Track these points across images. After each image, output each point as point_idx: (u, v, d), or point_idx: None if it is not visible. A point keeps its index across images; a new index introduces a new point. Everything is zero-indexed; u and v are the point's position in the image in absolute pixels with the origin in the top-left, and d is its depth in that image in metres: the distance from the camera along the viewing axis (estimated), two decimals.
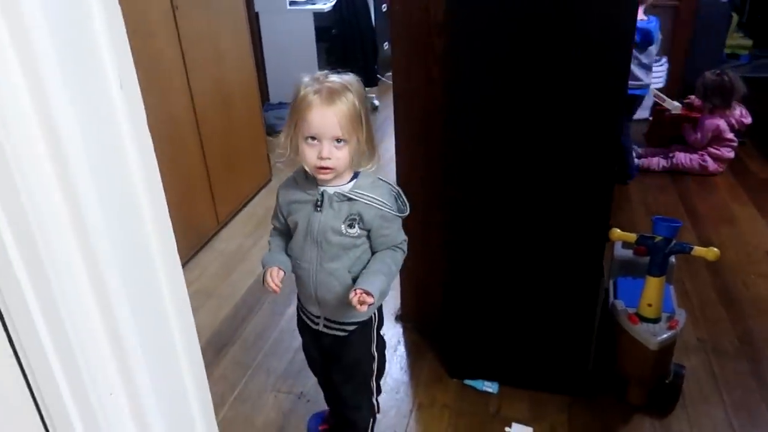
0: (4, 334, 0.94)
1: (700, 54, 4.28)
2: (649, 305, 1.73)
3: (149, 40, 2.33)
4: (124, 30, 0.80)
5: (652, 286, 1.71)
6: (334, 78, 1.30)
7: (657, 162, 3.39)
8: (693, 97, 3.51)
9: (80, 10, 0.75)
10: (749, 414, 1.80)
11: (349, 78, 1.31)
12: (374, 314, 1.50)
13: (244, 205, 3.13)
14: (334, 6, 4.07)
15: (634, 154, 3.38)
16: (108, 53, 0.87)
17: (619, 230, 1.76)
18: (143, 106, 0.90)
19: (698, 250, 1.67)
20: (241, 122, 3.14)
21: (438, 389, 1.94)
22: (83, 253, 0.96)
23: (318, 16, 4.04)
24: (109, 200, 0.99)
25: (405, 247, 1.45)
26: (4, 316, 0.93)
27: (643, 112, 4.01)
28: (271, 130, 3.73)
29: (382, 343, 1.60)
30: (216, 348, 2.13)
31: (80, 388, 0.94)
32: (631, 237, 1.75)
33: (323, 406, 1.80)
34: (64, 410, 1.02)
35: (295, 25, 3.99)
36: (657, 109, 3.66)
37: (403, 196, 1.41)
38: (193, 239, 2.67)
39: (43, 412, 1.02)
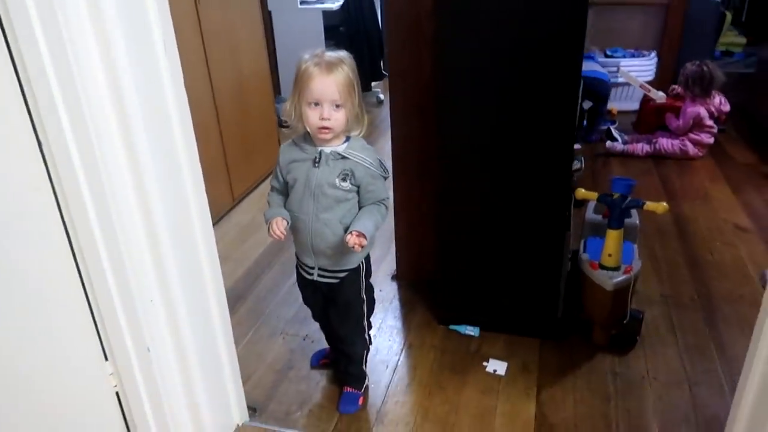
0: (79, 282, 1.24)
1: (690, 50, 4.50)
2: (609, 255, 1.97)
3: (175, 32, 2.63)
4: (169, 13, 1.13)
5: (612, 237, 1.96)
6: (330, 53, 1.55)
7: (641, 147, 3.63)
8: (676, 86, 3.75)
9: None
10: (698, 352, 2.04)
11: (343, 54, 1.56)
12: (362, 263, 1.77)
13: (258, 185, 3.42)
14: (342, 5, 4.36)
15: (608, 126, 3.78)
16: (156, 27, 1.19)
17: (582, 189, 2.02)
18: (180, 65, 1.23)
19: (649, 205, 1.92)
20: (256, 112, 3.43)
21: (427, 333, 2.20)
22: (137, 192, 1.28)
23: (327, 14, 4.33)
24: (157, 143, 1.32)
25: (388, 204, 1.71)
26: (75, 248, 1.23)
27: (632, 104, 4.26)
28: (283, 121, 4.02)
29: (370, 289, 1.88)
30: (231, 302, 2.40)
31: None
32: (593, 195, 2.00)
33: (324, 345, 2.07)
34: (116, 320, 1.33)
35: (305, 23, 4.28)
36: (644, 99, 3.90)
37: (384, 164, 1.68)
38: (211, 212, 2.96)
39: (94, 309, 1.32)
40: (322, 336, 2.12)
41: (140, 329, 1.37)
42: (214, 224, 2.98)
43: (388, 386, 1.97)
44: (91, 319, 1.38)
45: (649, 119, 3.82)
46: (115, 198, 1.23)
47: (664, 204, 1.91)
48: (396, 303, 2.40)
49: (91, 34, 1.08)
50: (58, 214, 1.24)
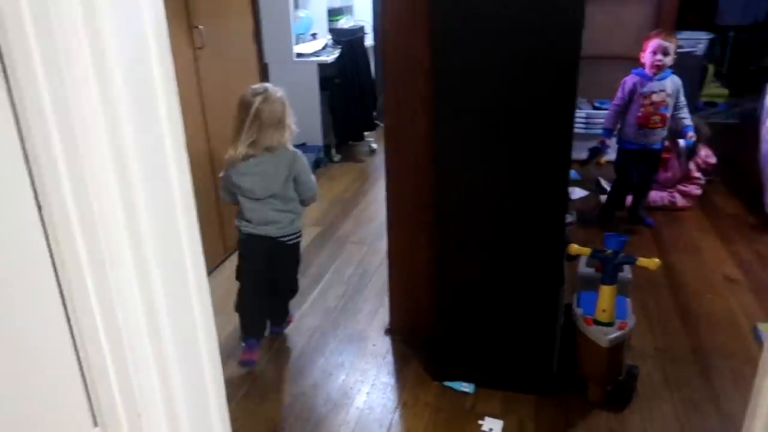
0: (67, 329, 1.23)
1: None
2: (603, 311, 1.98)
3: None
4: (174, 76, 1.15)
5: (605, 293, 1.97)
6: (269, 86, 2.16)
7: (631, 199, 3.68)
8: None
9: (143, 56, 1.08)
10: (693, 408, 2.03)
11: (278, 88, 2.18)
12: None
13: None
14: (337, 58, 4.47)
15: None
16: (161, 91, 1.21)
17: (576, 245, 2.04)
18: (182, 125, 1.25)
19: (642, 261, 1.94)
20: None
21: (421, 390, 2.18)
22: (132, 244, 1.26)
23: (322, 66, 4.43)
24: (153, 198, 1.31)
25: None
26: (70, 314, 1.22)
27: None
28: None
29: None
30: (222, 357, 2.38)
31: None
32: (586, 251, 2.03)
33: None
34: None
35: (301, 75, 4.37)
36: None
37: None
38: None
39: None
40: (317, 393, 2.11)
41: (132, 394, 1.35)
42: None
43: None
44: (81, 381, 1.36)
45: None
46: (112, 260, 1.22)
47: (657, 260, 1.93)
48: (390, 358, 2.38)
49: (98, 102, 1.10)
50: (54, 276, 1.24)
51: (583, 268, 2.32)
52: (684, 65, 4.79)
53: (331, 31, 4.88)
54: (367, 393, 2.18)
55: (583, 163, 3.39)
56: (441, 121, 1.89)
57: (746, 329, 2.45)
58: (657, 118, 3.12)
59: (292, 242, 2.31)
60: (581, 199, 3.84)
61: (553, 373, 2.11)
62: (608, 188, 3.81)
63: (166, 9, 1.03)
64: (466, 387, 2.16)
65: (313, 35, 4.71)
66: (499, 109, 1.82)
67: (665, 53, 3.03)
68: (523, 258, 1.97)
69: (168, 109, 1.30)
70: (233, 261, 3.17)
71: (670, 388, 2.13)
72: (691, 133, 3.20)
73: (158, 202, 1.36)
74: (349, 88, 4.59)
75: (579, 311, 2.06)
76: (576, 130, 4.50)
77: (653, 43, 3.05)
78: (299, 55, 4.37)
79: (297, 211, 2.29)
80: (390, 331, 2.53)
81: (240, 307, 2.36)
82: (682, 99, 3.18)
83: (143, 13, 1.16)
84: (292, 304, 2.61)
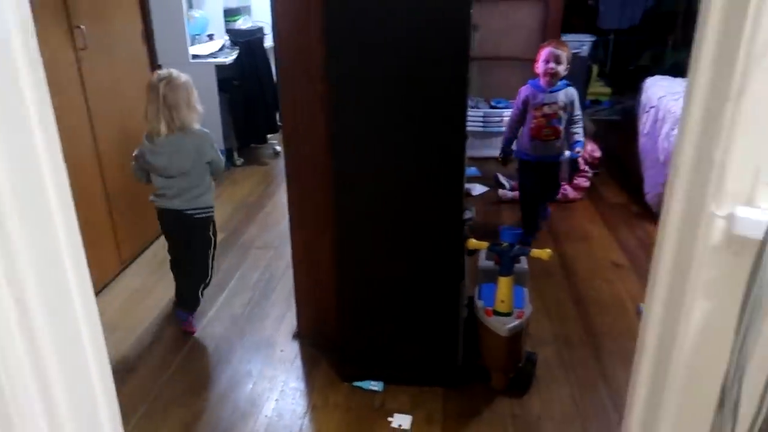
0: None
1: None
2: (502, 301, 2.06)
3: (52, 87, 2.50)
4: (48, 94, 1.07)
5: (503, 284, 2.06)
6: (173, 72, 2.35)
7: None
8: None
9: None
10: (588, 388, 2.16)
11: (183, 74, 2.40)
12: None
13: (149, 245, 3.27)
14: (236, 59, 4.36)
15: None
16: (31, 97, 1.13)
17: (474, 240, 2.11)
18: (56, 133, 1.16)
19: (535, 252, 2.04)
20: None
21: (331, 392, 2.17)
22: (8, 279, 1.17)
23: (220, 68, 4.30)
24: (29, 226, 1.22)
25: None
26: None
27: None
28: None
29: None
30: (121, 374, 2.25)
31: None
32: (484, 245, 2.10)
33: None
34: None
35: (198, 77, 4.20)
36: None
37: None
38: (95, 277, 2.78)
39: None
40: (223, 404, 2.05)
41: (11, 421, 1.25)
42: (100, 291, 2.83)
43: None
44: None
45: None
46: None
47: (549, 251, 2.03)
48: (298, 362, 2.35)
49: None
50: None
51: (483, 262, 2.41)
52: (571, 66, 5.13)
53: (229, 31, 4.76)
54: (276, 400, 2.14)
55: (503, 161, 3.27)
56: (337, 122, 1.89)
57: (632, 311, 2.64)
58: (549, 130, 3.04)
59: (200, 216, 2.42)
60: (482, 194, 3.98)
61: (458, 365, 2.17)
62: (506, 183, 3.98)
63: (42, 8, 0.95)
64: (375, 385, 2.18)
65: (210, 36, 4.57)
66: (394, 110, 1.85)
67: (557, 61, 2.93)
68: (423, 255, 2.02)
69: (40, 115, 1.21)
70: (131, 271, 3.02)
71: (566, 370, 2.26)
72: (578, 149, 3.12)
73: (32, 218, 1.27)
74: (249, 90, 4.49)
75: (480, 303, 2.13)
76: (474, 129, 4.67)
77: (545, 52, 2.96)
78: (195, 56, 4.22)
79: (205, 185, 2.42)
80: (298, 336, 2.50)
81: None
82: (577, 113, 3.08)
83: (5, 13, 1.07)
84: (201, 310, 2.55)
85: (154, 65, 4.09)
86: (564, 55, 2.96)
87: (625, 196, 3.94)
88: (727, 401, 0.86)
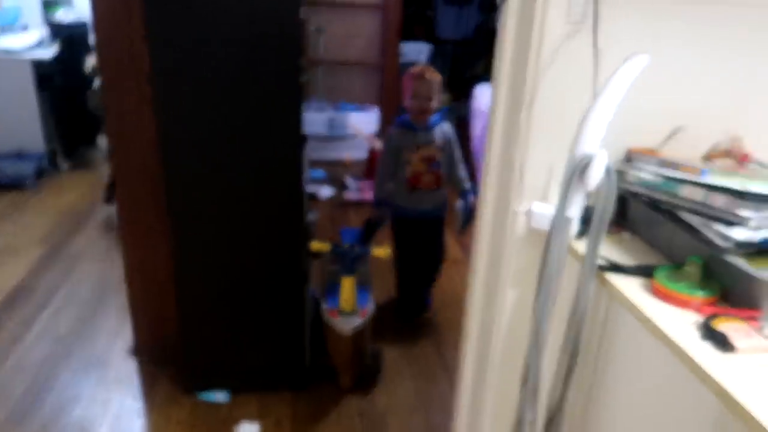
0: None
1: None
2: (346, 301, 2.10)
3: None
4: None
5: (346, 284, 2.10)
6: None
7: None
8: None
9: None
10: (430, 379, 2.28)
11: None
12: None
13: None
14: (57, 55, 3.97)
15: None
16: None
17: (317, 242, 2.13)
18: None
19: (375, 251, 2.11)
20: None
21: (173, 409, 2.06)
22: None
23: (39, 65, 3.90)
24: None
25: None
26: None
27: (362, 153, 4.67)
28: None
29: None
30: None
31: None
32: (326, 246, 2.13)
33: None
34: None
35: (11, 73, 3.79)
36: (371, 149, 4.31)
37: None
38: None
39: None
40: None
41: None
42: None
43: None
44: None
45: (377, 167, 4.22)
46: None
47: (387, 249, 2.11)
48: (136, 381, 2.20)
49: None
50: None
51: (329, 264, 2.44)
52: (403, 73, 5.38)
53: (49, 24, 4.32)
54: (111, 424, 1.99)
55: (363, 241, 2.50)
56: (165, 125, 1.80)
57: None
58: (430, 177, 2.45)
59: None
60: (329, 198, 4.03)
61: (306, 368, 2.17)
62: (353, 185, 4.07)
63: None
64: (221, 395, 2.11)
65: (24, 27, 4.12)
66: (226, 112, 1.79)
67: (428, 97, 2.37)
68: (265, 259, 1.99)
69: None
70: None
71: (410, 364, 2.36)
72: (473, 198, 2.47)
73: None
74: (73, 88, 4.11)
75: (324, 304, 2.15)
76: (318, 133, 4.68)
77: (412, 84, 2.39)
78: (7, 51, 3.78)
79: None
80: (135, 352, 2.34)
81: None
82: (457, 152, 2.52)
83: None
84: (16, 334, 2.27)
85: None
86: (435, 85, 2.40)
87: None
88: (530, 377, 0.96)
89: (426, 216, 2.54)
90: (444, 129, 2.50)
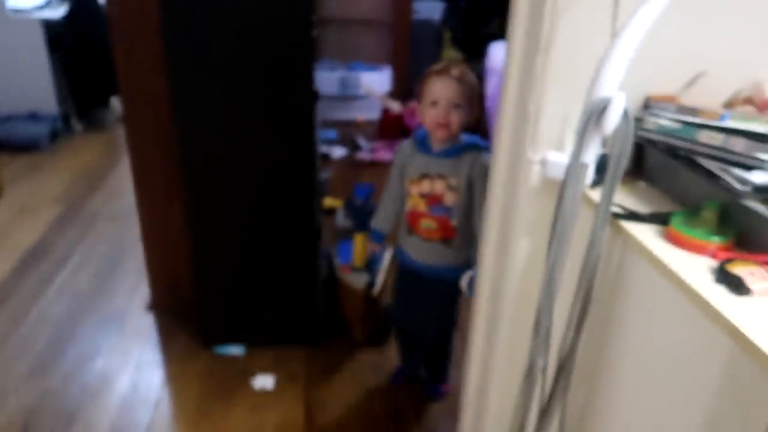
0: None
1: (418, 64, 5.06)
2: (358, 256, 2.12)
3: None
4: None
5: (358, 241, 2.11)
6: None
7: (386, 155, 3.97)
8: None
9: None
10: None
11: None
12: None
13: None
14: (67, 15, 3.95)
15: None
16: None
17: (330, 198, 2.14)
18: None
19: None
20: None
21: (190, 361, 2.11)
22: None
23: (49, 25, 3.87)
24: None
25: None
26: None
27: (374, 113, 4.63)
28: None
29: None
30: None
31: None
32: (338, 202, 2.14)
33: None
34: None
35: (21, 34, 3.77)
36: (384, 109, 4.27)
37: None
38: None
39: None
40: (70, 385, 1.92)
41: None
42: None
43: (150, 426, 1.84)
44: None
45: (390, 127, 4.19)
46: None
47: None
48: (154, 334, 2.25)
49: None
50: None
51: (341, 221, 2.46)
52: (423, 31, 5.28)
53: None
54: (131, 375, 2.05)
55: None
56: (177, 82, 1.79)
57: None
58: (430, 224, 1.68)
59: None
60: (341, 157, 4.02)
61: (319, 323, 2.21)
62: (365, 146, 4.05)
63: None
64: (236, 349, 2.15)
65: None
66: (238, 69, 1.78)
67: (453, 103, 1.56)
68: (278, 216, 2.00)
69: None
70: None
71: None
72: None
73: None
74: (84, 49, 4.10)
75: (337, 261, 2.17)
76: (330, 93, 4.66)
77: (436, 87, 1.57)
78: (16, 10, 3.76)
79: None
80: (153, 307, 2.39)
81: None
82: (478, 196, 1.61)
83: None
84: (36, 289, 2.32)
85: None
86: (467, 86, 1.58)
87: None
88: (541, 328, 0.97)
89: (424, 273, 1.75)
90: (475, 159, 1.62)
